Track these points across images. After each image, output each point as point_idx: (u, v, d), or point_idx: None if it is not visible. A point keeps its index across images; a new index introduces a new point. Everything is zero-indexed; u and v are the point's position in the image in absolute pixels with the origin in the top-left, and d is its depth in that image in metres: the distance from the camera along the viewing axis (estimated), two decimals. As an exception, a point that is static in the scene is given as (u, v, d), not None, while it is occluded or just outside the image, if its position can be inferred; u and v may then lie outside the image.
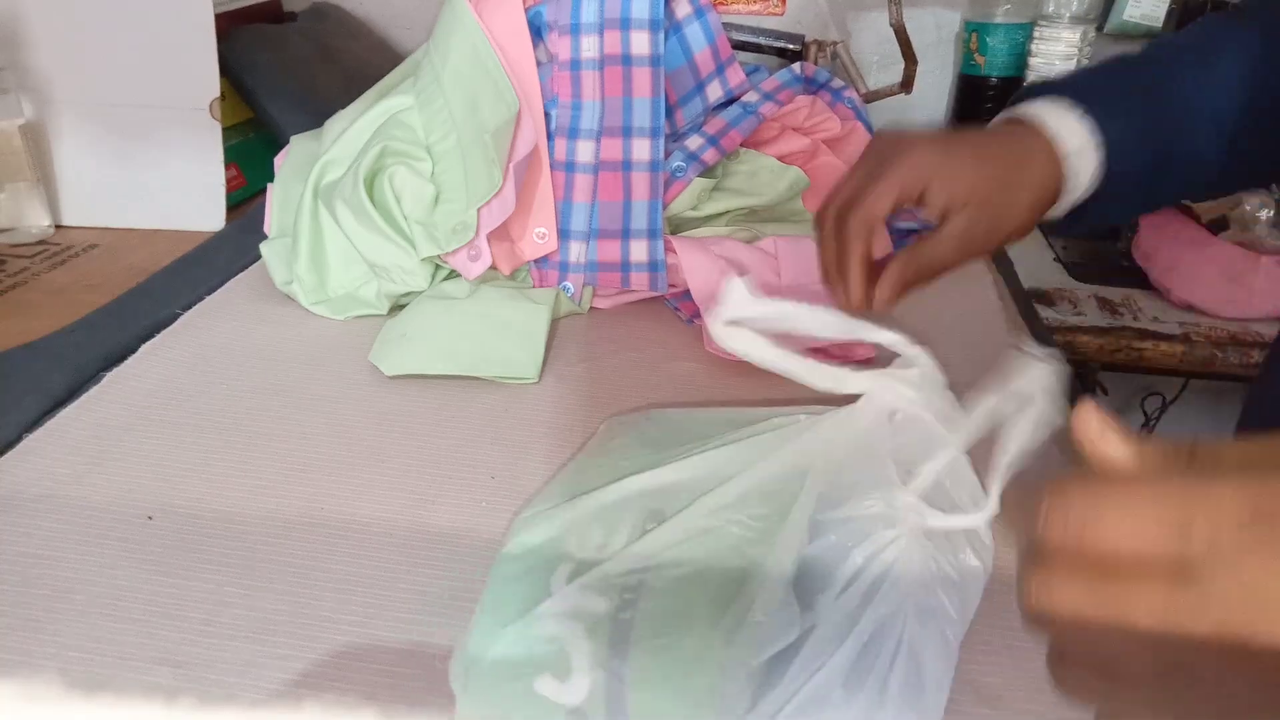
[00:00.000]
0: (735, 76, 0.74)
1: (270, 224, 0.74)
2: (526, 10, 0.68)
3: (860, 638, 0.34)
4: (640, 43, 0.67)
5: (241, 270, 0.76)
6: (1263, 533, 0.16)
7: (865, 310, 0.46)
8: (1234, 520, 0.17)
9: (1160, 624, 0.17)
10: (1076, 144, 0.47)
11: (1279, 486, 0.17)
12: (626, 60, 0.68)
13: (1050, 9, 1.05)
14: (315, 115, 0.80)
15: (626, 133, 0.68)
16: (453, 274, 0.68)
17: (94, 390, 0.59)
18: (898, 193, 0.45)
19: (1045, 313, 0.85)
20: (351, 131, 0.69)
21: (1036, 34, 1.06)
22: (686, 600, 0.36)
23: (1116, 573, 0.18)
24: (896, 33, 1.01)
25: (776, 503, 0.39)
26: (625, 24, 0.67)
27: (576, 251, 0.68)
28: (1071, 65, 1.05)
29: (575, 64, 0.68)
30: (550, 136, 0.68)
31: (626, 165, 0.68)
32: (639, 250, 0.68)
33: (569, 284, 0.68)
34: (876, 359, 0.45)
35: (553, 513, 0.41)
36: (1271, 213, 0.86)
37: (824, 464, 0.40)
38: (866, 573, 0.36)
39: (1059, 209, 0.49)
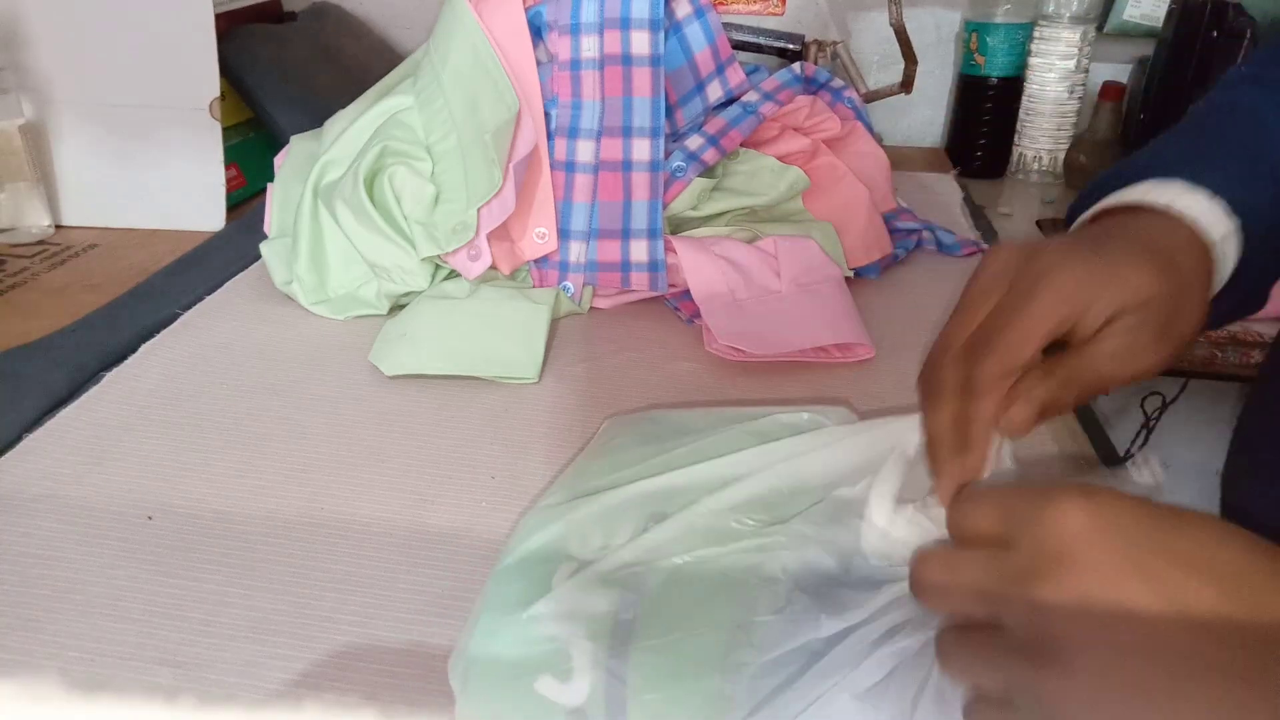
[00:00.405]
0: (735, 76, 0.74)
1: (270, 224, 0.74)
2: (526, 10, 0.68)
3: (885, 662, 0.33)
4: (640, 43, 0.67)
5: (241, 270, 0.76)
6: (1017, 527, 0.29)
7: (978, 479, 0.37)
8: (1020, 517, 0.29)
9: (1000, 575, 0.29)
10: (1221, 230, 0.40)
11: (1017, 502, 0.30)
12: (626, 60, 0.68)
13: (1050, 9, 1.05)
14: (315, 115, 0.80)
15: (626, 133, 0.68)
16: (453, 274, 0.68)
17: (94, 390, 0.59)
18: (1053, 326, 0.36)
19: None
20: (351, 131, 0.69)
21: (1036, 34, 1.07)
22: (689, 600, 0.36)
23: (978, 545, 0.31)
24: (896, 33, 1.01)
25: (784, 504, 0.39)
26: (625, 24, 0.67)
27: (576, 251, 0.68)
28: (1071, 65, 1.05)
29: (575, 64, 0.68)
30: (550, 136, 0.68)
31: (626, 165, 0.68)
32: (639, 250, 0.68)
33: (569, 284, 0.68)
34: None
35: (555, 514, 0.41)
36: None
37: (841, 472, 0.39)
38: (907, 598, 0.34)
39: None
